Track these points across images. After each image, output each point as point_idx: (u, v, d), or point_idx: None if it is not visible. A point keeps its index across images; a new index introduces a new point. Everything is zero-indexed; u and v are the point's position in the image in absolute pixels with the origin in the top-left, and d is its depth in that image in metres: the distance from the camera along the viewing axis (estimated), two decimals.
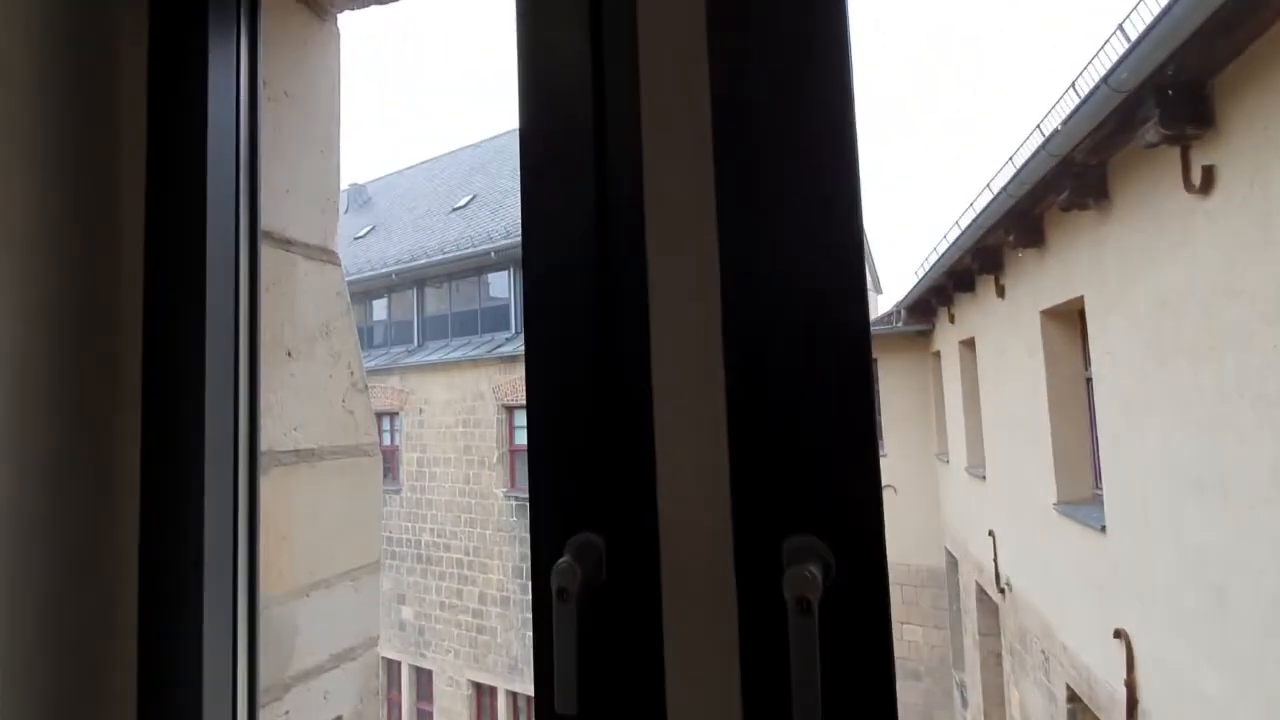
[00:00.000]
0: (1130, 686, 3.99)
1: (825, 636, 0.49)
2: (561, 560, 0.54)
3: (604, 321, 0.59)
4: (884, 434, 9.93)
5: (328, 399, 0.99)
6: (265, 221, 0.93)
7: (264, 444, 0.91)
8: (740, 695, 0.53)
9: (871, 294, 16.23)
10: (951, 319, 8.09)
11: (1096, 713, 4.60)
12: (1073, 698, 5.04)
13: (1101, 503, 4.42)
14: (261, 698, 0.87)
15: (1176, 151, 3.17)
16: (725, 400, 0.55)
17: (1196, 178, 3.08)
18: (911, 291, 8.89)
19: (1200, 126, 3.02)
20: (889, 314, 10.20)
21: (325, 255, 1.02)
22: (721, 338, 0.56)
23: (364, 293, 13.74)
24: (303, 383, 0.95)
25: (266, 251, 0.92)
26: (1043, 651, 5.54)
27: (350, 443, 1.01)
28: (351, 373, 1.03)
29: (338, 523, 0.98)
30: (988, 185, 5.28)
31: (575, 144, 0.61)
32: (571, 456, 0.59)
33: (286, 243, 0.96)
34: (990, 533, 6.76)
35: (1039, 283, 5.22)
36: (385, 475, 12.11)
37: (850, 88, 0.53)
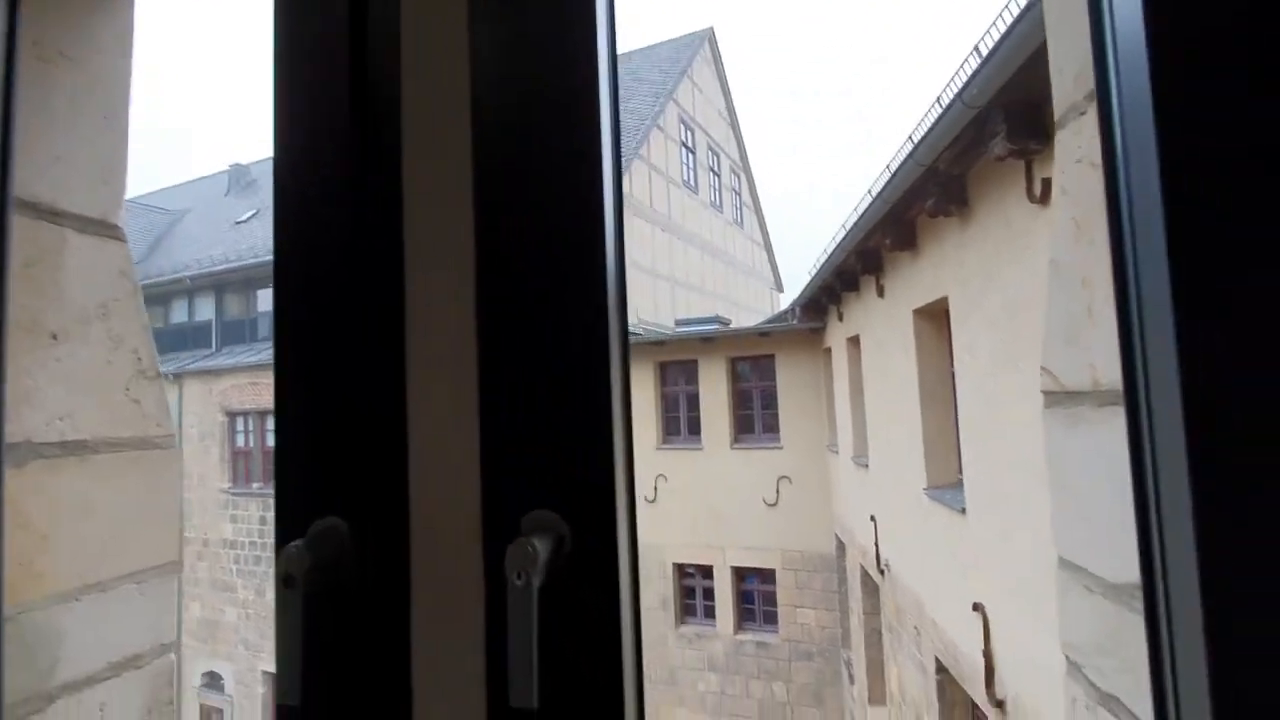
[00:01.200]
0: (988, 656, 4.35)
1: (559, 612, 0.49)
2: (291, 545, 0.51)
3: (353, 302, 0.57)
4: (780, 427, 10.35)
5: (106, 386, 0.90)
6: (25, 190, 0.83)
7: (20, 434, 0.81)
8: (485, 677, 0.52)
9: (772, 292, 16.84)
10: (840, 317, 8.53)
11: (961, 683, 4.99)
12: (941, 669, 5.44)
13: (963, 487, 4.79)
14: (15, 710, 0.78)
15: (1022, 165, 3.48)
16: (478, 380, 0.54)
17: (1038, 189, 3.39)
18: (805, 290, 9.30)
19: (1041, 142, 3.32)
20: (784, 312, 10.61)
21: (106, 230, 0.93)
22: (475, 322, 0.55)
23: (244, 281, 12.81)
24: (72, 368, 0.86)
25: (23, 223, 0.83)
26: (915, 627, 5.96)
27: (136, 434, 0.92)
28: (139, 358, 0.94)
29: (119, 521, 0.90)
30: (869, 190, 5.60)
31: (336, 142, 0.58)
32: (315, 440, 0.56)
33: (54, 214, 0.87)
34: (872, 518, 7.18)
35: (912, 284, 5.59)
36: None
37: (596, 55, 0.53)
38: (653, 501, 10.84)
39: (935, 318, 5.42)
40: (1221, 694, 0.48)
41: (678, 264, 15.05)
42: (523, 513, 0.51)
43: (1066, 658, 0.68)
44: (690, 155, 16.22)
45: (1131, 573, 0.60)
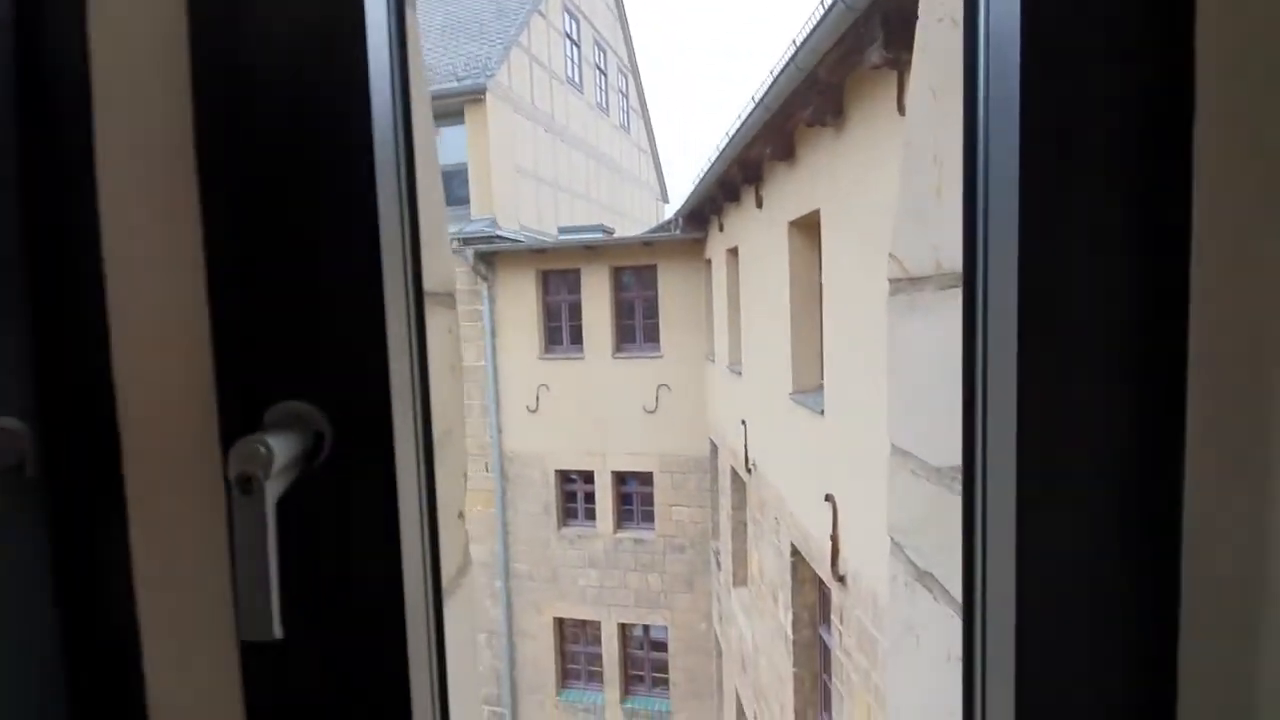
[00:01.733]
0: (834, 540, 4.83)
1: (319, 526, 0.40)
2: None
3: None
4: (661, 337, 10.55)
5: None
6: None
7: None
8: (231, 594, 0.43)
9: (658, 202, 16.67)
10: (721, 228, 8.62)
11: (811, 563, 5.55)
12: (795, 553, 6.02)
13: (823, 391, 5.14)
14: None
15: (895, 75, 3.52)
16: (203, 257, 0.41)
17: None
18: (688, 200, 9.26)
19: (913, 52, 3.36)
20: (668, 222, 10.57)
21: (450, 300, 0.65)
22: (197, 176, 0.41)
23: None
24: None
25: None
26: (775, 518, 6.51)
27: None
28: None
29: None
30: (752, 97, 5.52)
31: None
32: None
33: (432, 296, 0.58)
34: (743, 422, 7.61)
35: (788, 195, 5.69)
36: None
37: None
38: (535, 411, 10.84)
39: (808, 230, 5.58)
40: (1027, 570, 0.48)
41: (562, 168, 14.43)
42: (267, 405, 0.40)
43: (891, 538, 0.70)
44: (575, 49, 15.23)
45: (954, 457, 0.60)
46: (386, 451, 0.41)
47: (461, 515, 0.72)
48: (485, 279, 10.71)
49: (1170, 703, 0.48)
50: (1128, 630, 0.50)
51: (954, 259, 0.59)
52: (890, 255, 0.70)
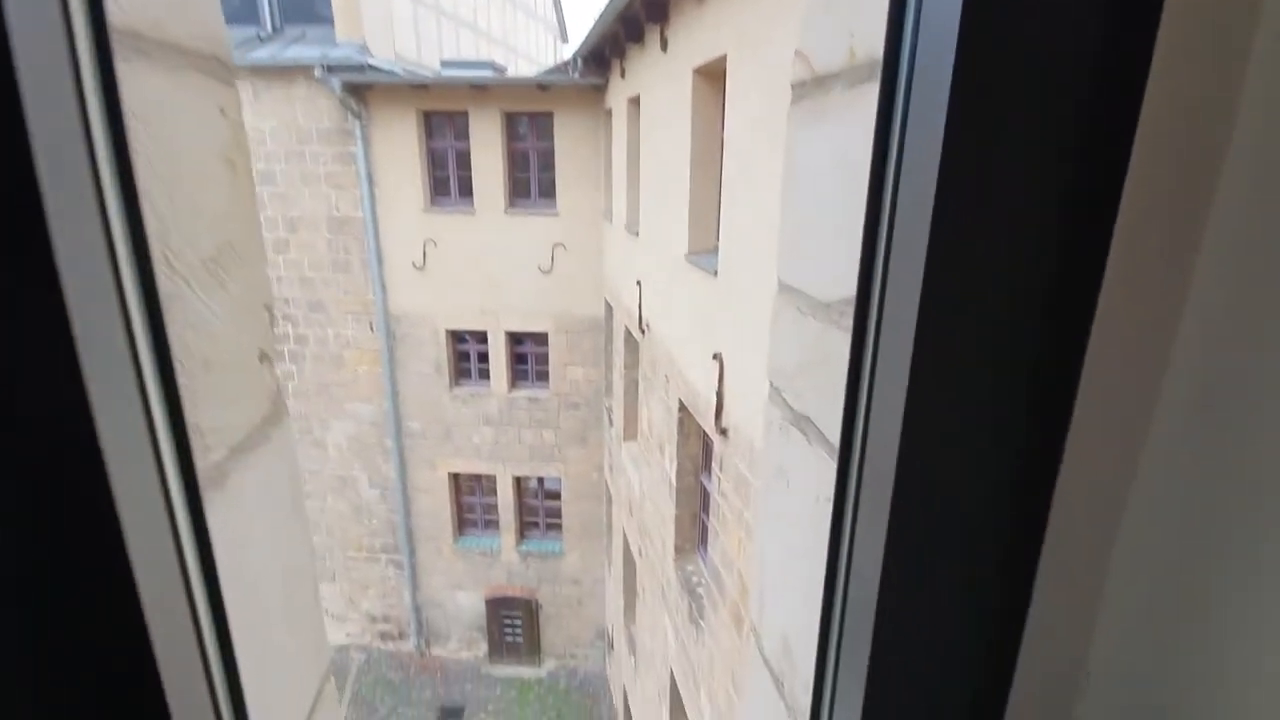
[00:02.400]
0: (719, 396, 5.06)
1: None
2: None
3: None
4: (557, 193, 10.04)
5: None
6: None
7: None
8: None
9: (556, 41, 15.24)
10: (623, 73, 8.00)
11: (697, 418, 5.84)
12: (682, 408, 6.30)
13: (718, 253, 5.13)
14: None
15: None
16: None
17: None
18: (588, 39, 8.44)
19: None
20: (565, 64, 9.68)
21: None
22: None
23: None
24: None
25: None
26: (665, 376, 6.72)
27: None
28: None
29: None
30: None
31: None
32: None
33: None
34: (638, 283, 7.58)
35: (695, 37, 5.27)
36: None
37: None
38: (421, 268, 10.24)
39: (713, 80, 5.26)
40: (914, 412, 0.43)
41: None
42: None
43: (770, 383, 0.65)
44: None
45: (846, 288, 0.53)
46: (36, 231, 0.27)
47: (266, 358, 0.59)
48: (357, 116, 9.52)
49: (1040, 535, 0.46)
50: (1002, 473, 0.47)
51: (872, 44, 0.48)
52: (796, 53, 0.59)
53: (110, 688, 0.39)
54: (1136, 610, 0.48)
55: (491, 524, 11.87)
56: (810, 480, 0.59)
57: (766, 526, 0.68)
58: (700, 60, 5.17)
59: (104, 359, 0.31)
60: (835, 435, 0.54)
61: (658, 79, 6.49)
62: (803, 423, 0.59)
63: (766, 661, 0.65)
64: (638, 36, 6.92)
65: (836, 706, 0.56)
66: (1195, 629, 0.45)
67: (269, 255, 10.19)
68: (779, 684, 0.61)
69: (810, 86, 0.57)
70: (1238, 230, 0.40)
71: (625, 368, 8.97)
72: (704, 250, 5.62)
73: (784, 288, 0.62)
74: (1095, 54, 0.37)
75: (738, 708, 4.66)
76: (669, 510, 6.73)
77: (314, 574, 0.70)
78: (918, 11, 0.42)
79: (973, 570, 0.48)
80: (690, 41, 5.40)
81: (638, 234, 7.75)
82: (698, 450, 6.41)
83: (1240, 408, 0.42)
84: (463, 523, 11.97)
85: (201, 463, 0.44)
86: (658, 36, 6.20)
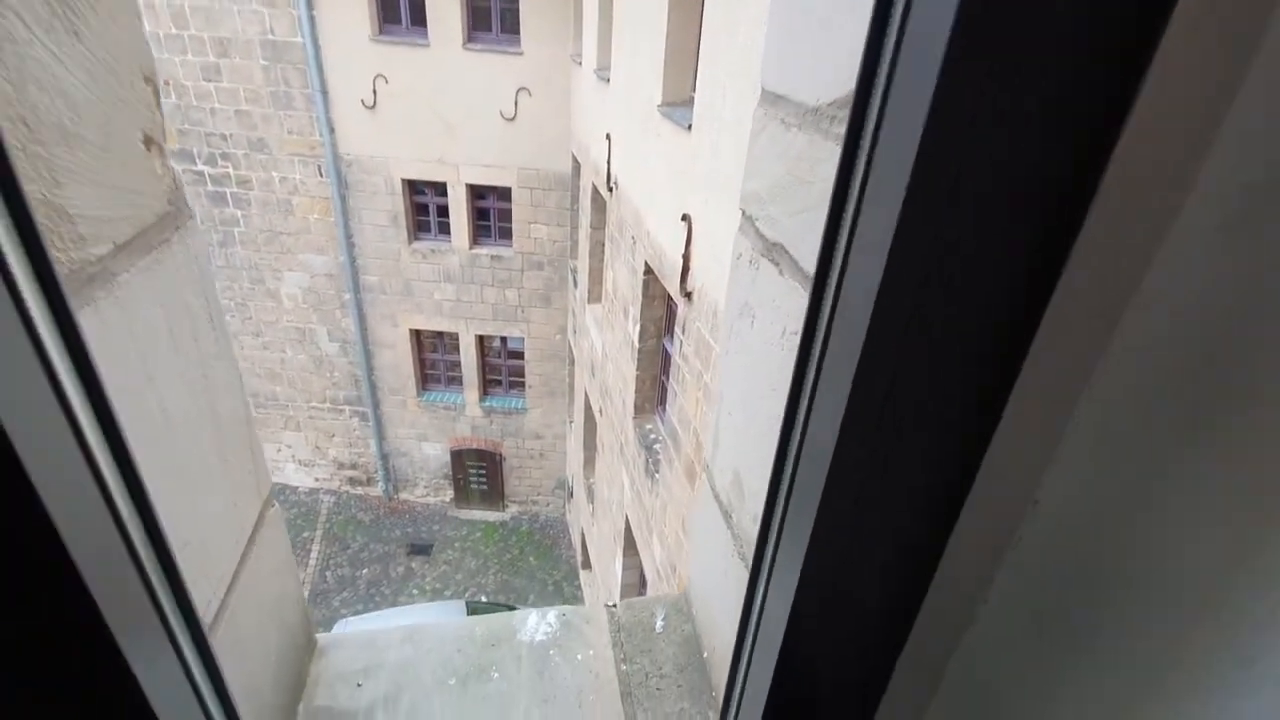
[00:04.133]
0: (686, 259, 4.98)
1: None
2: None
3: None
4: (522, 28, 9.13)
5: None
6: None
7: None
8: None
9: None
10: None
11: (663, 280, 5.78)
12: (648, 271, 6.22)
13: (693, 104, 4.80)
14: None
15: None
16: None
17: None
18: None
19: None
20: None
21: None
22: None
23: None
24: None
25: None
26: (633, 237, 6.56)
27: None
28: None
29: None
30: None
31: None
32: None
33: None
34: (608, 136, 7.15)
35: None
36: None
37: None
38: (372, 108, 9.43)
39: None
40: (907, 232, 0.38)
41: None
42: None
43: (742, 212, 0.59)
44: None
45: (841, 86, 0.46)
46: None
47: (154, 144, 0.49)
48: None
49: (1013, 374, 0.44)
50: (987, 307, 0.43)
51: None
52: None
53: None
54: (1092, 446, 0.47)
55: (455, 380, 12.01)
56: (778, 315, 0.55)
57: (727, 365, 0.65)
58: None
59: None
60: (810, 263, 0.50)
61: None
62: (775, 252, 0.54)
63: (717, 495, 0.65)
64: None
65: (784, 536, 0.56)
66: (1138, 466, 0.45)
67: (198, 82, 9.20)
68: (728, 516, 0.62)
69: None
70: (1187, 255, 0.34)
71: (592, 228, 8.71)
72: (679, 102, 5.27)
73: (768, 97, 0.54)
74: None
75: (686, 546, 5.05)
76: (630, 372, 6.86)
77: (245, 400, 0.65)
78: None
79: (941, 407, 0.46)
80: None
81: (609, 80, 7.19)
82: (662, 313, 6.43)
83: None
84: (426, 378, 12.07)
85: (75, 253, 0.37)
86: None
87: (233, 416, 0.62)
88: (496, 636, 0.81)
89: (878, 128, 0.40)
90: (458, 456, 12.49)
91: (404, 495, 13.11)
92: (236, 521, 0.62)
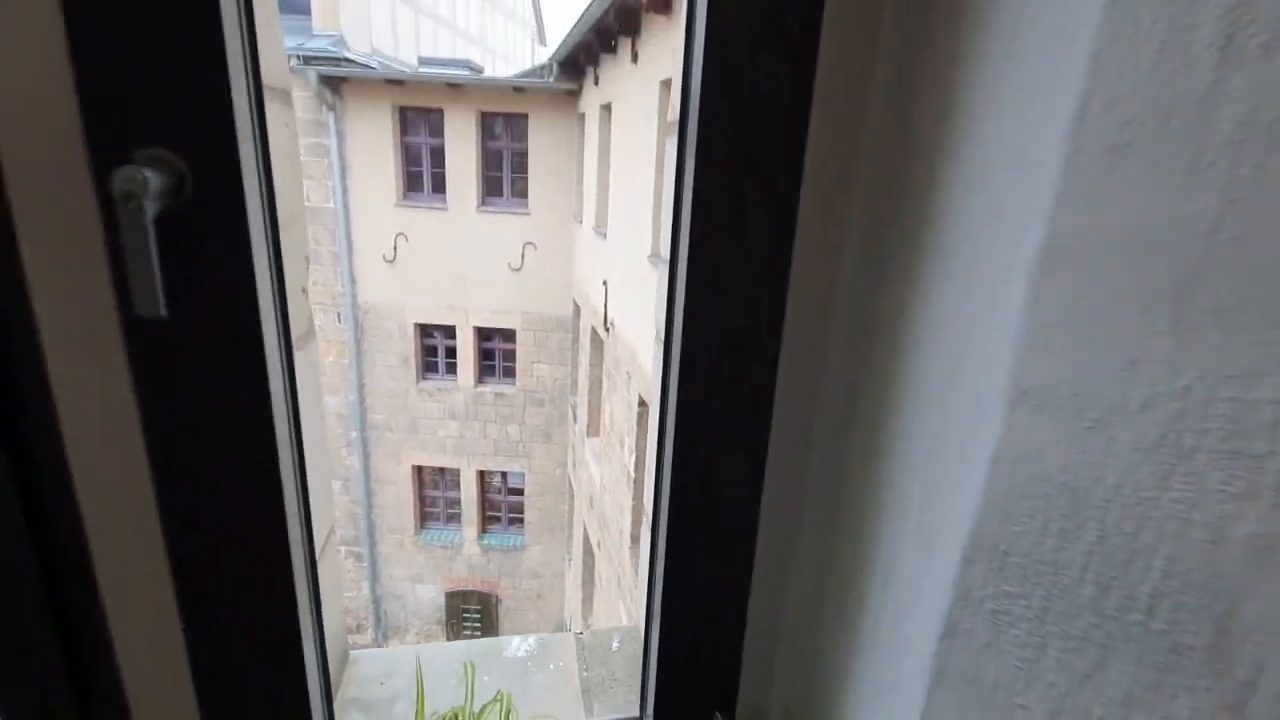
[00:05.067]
0: None
1: (184, 245, 0.54)
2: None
3: None
4: (529, 193, 10.29)
5: None
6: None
7: None
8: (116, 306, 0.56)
9: (534, 43, 15.34)
10: (596, 81, 8.30)
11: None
12: (642, 404, 6.60)
13: None
14: None
15: None
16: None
17: None
18: (562, 46, 8.73)
19: None
20: (541, 68, 9.94)
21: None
22: None
23: None
24: None
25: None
26: (627, 373, 7.02)
27: None
28: None
29: None
30: None
31: None
32: None
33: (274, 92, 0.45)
34: (604, 283, 7.87)
35: (664, 51, 5.60)
36: None
37: None
38: (392, 262, 10.37)
39: None
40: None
41: None
42: (135, 148, 0.52)
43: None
44: None
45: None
46: (237, 192, 0.54)
47: (305, 291, 0.86)
48: (332, 108, 9.63)
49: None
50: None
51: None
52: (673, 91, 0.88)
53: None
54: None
55: (454, 517, 12.00)
56: None
57: None
58: (667, 74, 5.49)
59: (263, 273, 0.58)
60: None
61: (628, 88, 6.80)
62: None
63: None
64: (611, 48, 7.23)
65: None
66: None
67: None
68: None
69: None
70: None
71: (590, 365, 9.24)
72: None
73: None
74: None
75: None
76: (627, 501, 7.01)
77: (326, 446, 0.97)
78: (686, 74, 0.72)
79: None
80: (659, 55, 5.73)
81: (605, 235, 8.04)
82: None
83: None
84: (425, 516, 12.07)
85: (294, 330, 0.72)
86: (629, 49, 6.52)
87: (321, 448, 0.94)
88: (488, 652, 1.05)
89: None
90: (452, 599, 12.14)
91: (394, 642, 12.55)
92: (328, 510, 0.92)
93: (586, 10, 6.88)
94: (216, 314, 0.57)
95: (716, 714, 0.77)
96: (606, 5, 6.19)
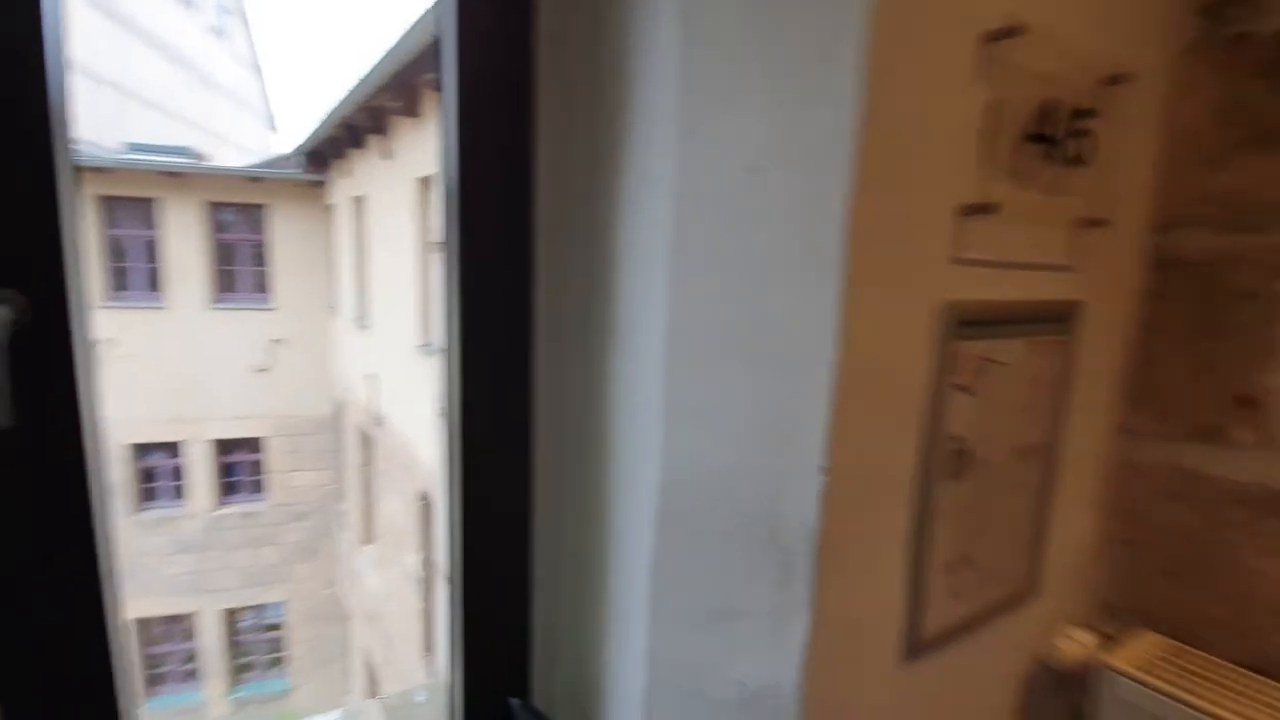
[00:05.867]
0: None
1: (30, 364, 0.61)
2: None
3: None
4: (275, 285, 9.50)
5: None
6: None
7: None
8: None
9: (266, 131, 14.42)
10: (347, 172, 8.17)
11: (439, 505, 5.95)
12: (424, 498, 6.34)
13: None
14: None
15: None
16: None
17: None
18: (309, 140, 8.48)
19: None
20: (286, 158, 9.47)
21: None
22: None
23: None
24: None
25: None
26: (404, 467, 6.71)
27: None
28: None
29: None
30: (385, 46, 5.43)
31: None
32: None
33: None
34: (372, 375, 7.52)
35: (418, 151, 5.81)
36: None
37: None
38: None
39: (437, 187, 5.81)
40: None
41: (130, 68, 11.41)
42: None
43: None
44: None
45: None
46: (65, 321, 0.63)
47: None
48: None
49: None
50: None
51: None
52: None
53: None
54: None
55: (193, 674, 9.89)
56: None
57: None
58: (423, 172, 5.70)
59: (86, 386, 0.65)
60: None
61: (383, 182, 6.84)
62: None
63: None
64: (360, 144, 7.24)
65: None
66: None
67: None
68: None
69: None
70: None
71: (361, 465, 8.59)
72: (436, 342, 5.96)
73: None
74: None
75: None
76: (416, 606, 6.55)
77: None
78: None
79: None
80: (413, 154, 5.92)
81: (368, 326, 7.75)
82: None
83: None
84: (152, 680, 9.77)
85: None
86: (381, 146, 6.61)
87: None
88: None
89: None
90: None
91: None
92: None
93: (336, 108, 6.86)
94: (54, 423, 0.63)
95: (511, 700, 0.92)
96: (356, 104, 6.26)
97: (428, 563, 6.46)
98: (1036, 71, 0.74)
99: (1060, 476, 0.94)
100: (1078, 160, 0.80)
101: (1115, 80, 0.82)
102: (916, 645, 0.80)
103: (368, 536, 8.62)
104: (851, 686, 0.75)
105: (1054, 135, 0.76)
